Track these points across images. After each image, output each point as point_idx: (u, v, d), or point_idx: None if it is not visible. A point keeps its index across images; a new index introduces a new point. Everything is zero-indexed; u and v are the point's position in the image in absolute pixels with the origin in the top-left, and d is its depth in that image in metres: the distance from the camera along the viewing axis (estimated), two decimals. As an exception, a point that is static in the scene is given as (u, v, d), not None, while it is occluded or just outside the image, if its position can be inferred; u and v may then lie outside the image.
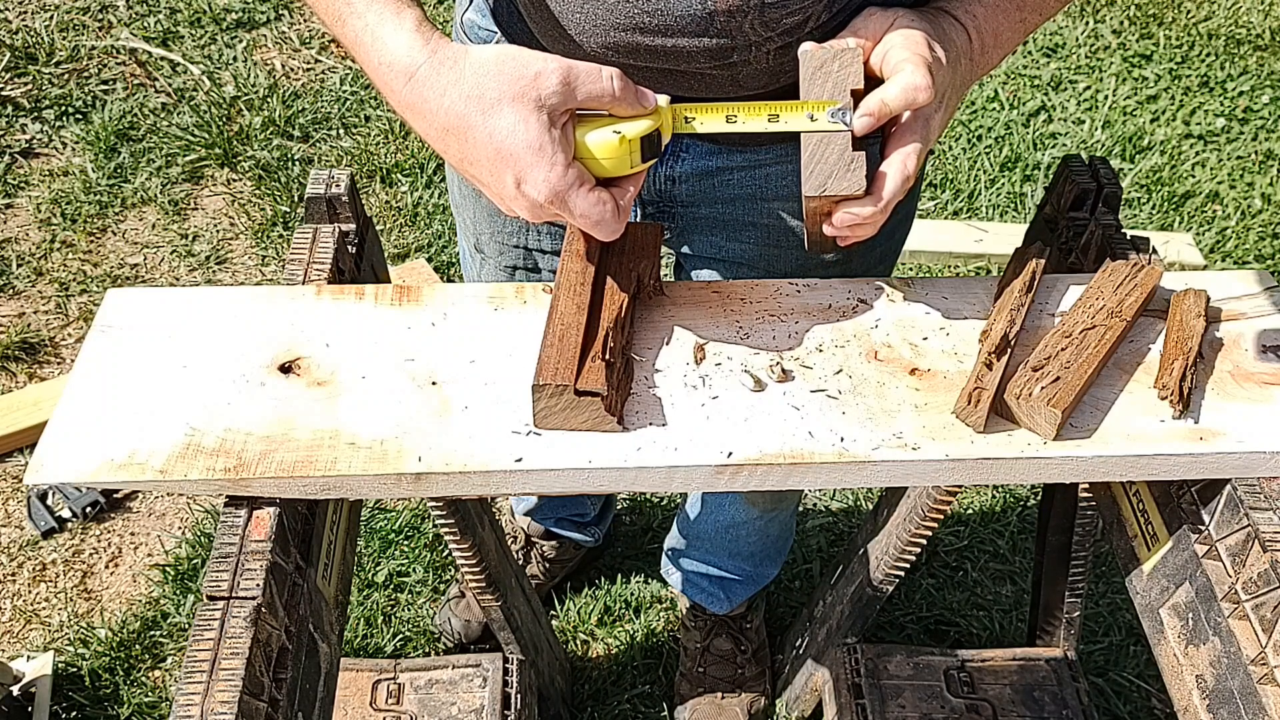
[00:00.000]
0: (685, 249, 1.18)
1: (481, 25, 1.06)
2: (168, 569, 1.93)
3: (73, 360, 2.04)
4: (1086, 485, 1.31)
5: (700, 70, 0.92)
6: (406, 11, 0.77)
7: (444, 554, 2.00)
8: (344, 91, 2.95)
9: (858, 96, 0.81)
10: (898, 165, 0.81)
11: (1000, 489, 2.14)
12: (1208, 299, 0.93)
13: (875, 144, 0.84)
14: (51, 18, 3.05)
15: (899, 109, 0.80)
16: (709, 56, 0.90)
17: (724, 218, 1.11)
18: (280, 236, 2.55)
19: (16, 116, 2.79)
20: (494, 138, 0.74)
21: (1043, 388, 0.82)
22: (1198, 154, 2.93)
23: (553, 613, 1.94)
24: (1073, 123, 3.00)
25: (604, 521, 1.93)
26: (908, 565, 1.36)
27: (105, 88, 2.89)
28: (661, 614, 1.95)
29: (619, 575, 1.99)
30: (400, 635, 1.88)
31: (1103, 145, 2.93)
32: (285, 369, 0.86)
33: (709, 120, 0.82)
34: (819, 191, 0.81)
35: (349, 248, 1.05)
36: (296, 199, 2.62)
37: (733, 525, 1.62)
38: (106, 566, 1.97)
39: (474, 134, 0.75)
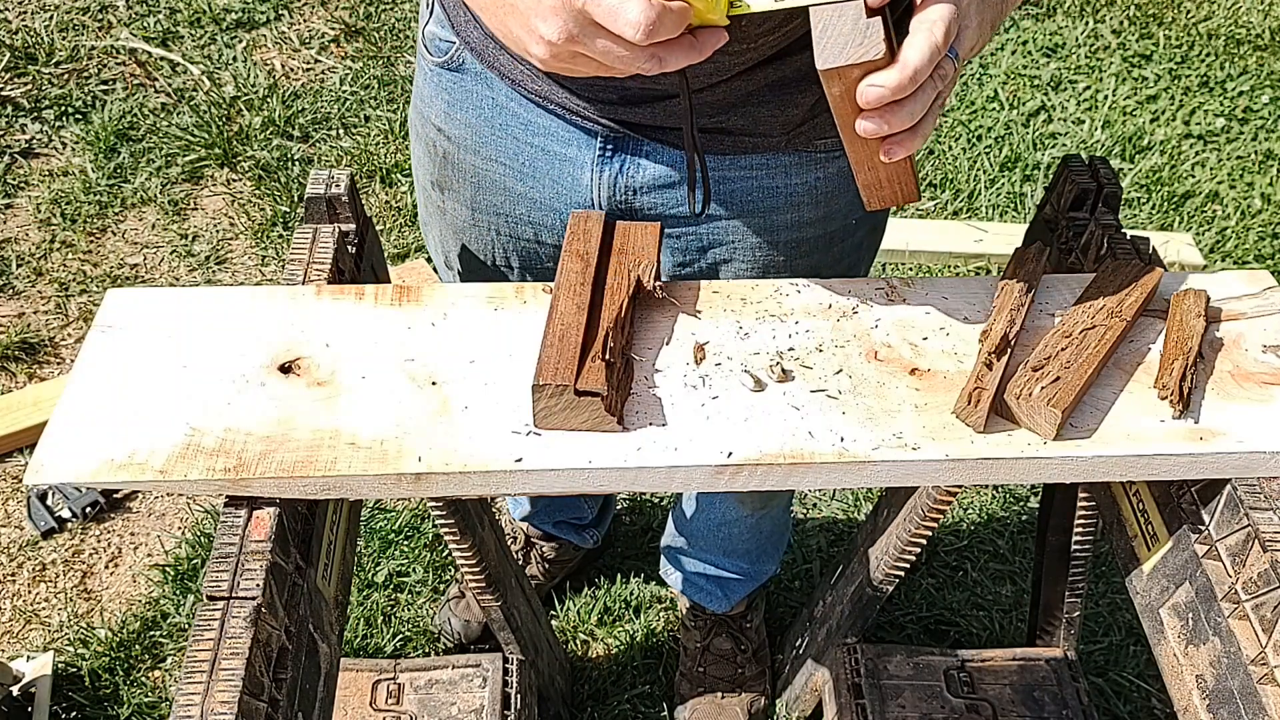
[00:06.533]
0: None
1: (442, 37, 1.06)
2: (168, 569, 1.93)
3: (73, 360, 2.04)
4: (1086, 485, 1.31)
5: None
6: None
7: (444, 554, 2.00)
8: (344, 91, 2.95)
9: None
10: (924, 30, 0.71)
11: (1000, 489, 2.14)
12: (1208, 299, 0.93)
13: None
14: (51, 18, 3.05)
15: None
16: None
17: (685, 237, 1.11)
18: (280, 236, 2.55)
19: (16, 116, 2.79)
20: None
21: (1043, 388, 0.82)
22: (1198, 154, 2.93)
23: (553, 613, 1.94)
24: (1073, 123, 3.00)
25: (603, 524, 1.93)
26: (908, 565, 1.36)
27: (105, 88, 2.89)
28: (661, 614, 1.95)
29: (619, 575, 1.99)
30: (400, 635, 1.88)
31: (1103, 145, 2.93)
32: (285, 369, 0.86)
33: None
34: (835, 64, 0.71)
35: (349, 248, 1.05)
36: (296, 199, 2.62)
37: (724, 523, 1.62)
38: (106, 566, 1.97)
39: None
